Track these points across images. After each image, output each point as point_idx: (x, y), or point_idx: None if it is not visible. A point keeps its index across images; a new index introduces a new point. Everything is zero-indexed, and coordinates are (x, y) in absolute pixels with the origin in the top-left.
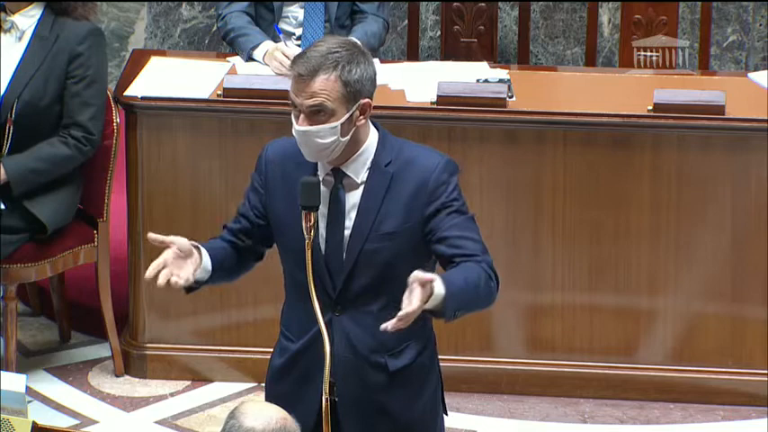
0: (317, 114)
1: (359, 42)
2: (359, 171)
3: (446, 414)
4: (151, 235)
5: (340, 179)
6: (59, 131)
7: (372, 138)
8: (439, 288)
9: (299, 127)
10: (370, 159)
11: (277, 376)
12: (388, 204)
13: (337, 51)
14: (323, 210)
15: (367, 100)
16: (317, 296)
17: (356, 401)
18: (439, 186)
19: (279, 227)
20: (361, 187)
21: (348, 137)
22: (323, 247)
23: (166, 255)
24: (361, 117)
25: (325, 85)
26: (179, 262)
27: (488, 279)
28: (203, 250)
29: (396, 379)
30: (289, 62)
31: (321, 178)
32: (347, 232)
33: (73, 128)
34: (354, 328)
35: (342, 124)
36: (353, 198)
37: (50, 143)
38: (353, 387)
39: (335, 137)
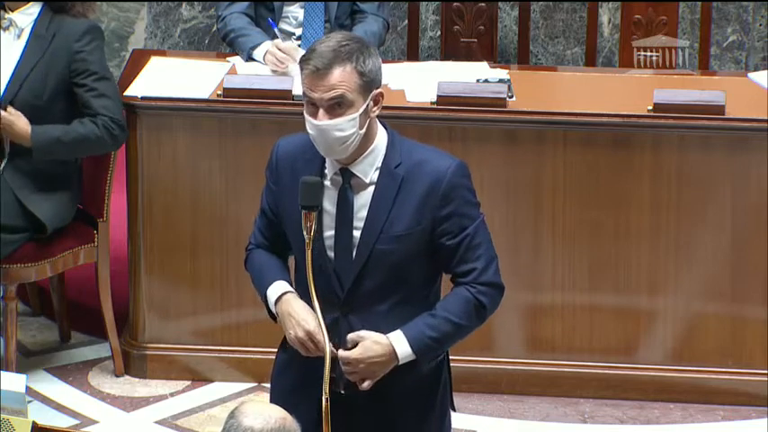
0: (338, 107)
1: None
2: (367, 171)
3: (454, 410)
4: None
5: (348, 179)
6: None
7: (381, 138)
8: (402, 349)
9: (318, 122)
10: (379, 160)
11: (282, 370)
12: (398, 206)
13: (347, 44)
14: (331, 209)
15: (380, 90)
16: (324, 295)
17: (364, 398)
18: (452, 190)
19: (288, 224)
20: (371, 188)
21: (364, 129)
22: (331, 246)
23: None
24: (375, 108)
25: (342, 76)
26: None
27: (477, 307)
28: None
29: (404, 378)
30: (284, 56)
31: (329, 177)
32: (356, 233)
33: (99, 116)
34: (363, 328)
35: (360, 116)
36: (362, 198)
37: (81, 121)
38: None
39: (354, 129)
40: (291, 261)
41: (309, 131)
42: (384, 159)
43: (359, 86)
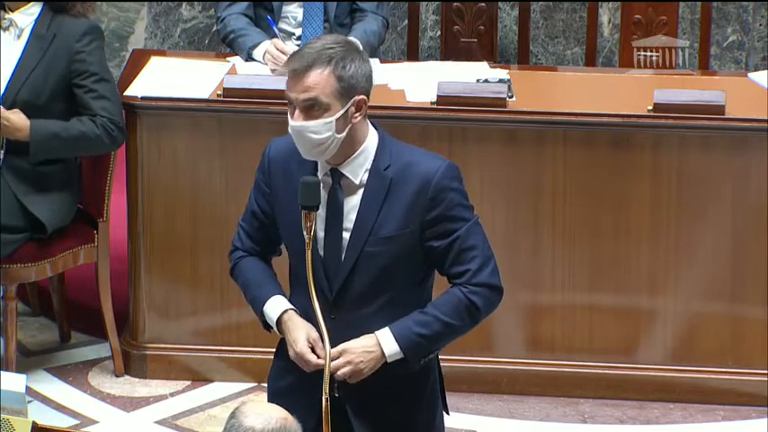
0: (312, 109)
1: (356, 41)
2: (357, 172)
3: (447, 413)
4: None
5: (338, 180)
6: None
7: (372, 139)
8: (390, 347)
9: (293, 122)
10: (369, 161)
11: (279, 373)
12: (387, 208)
13: (332, 48)
14: (321, 211)
15: (362, 96)
16: (317, 296)
17: (356, 401)
18: (440, 192)
19: (282, 225)
20: (360, 190)
21: (344, 134)
22: (321, 247)
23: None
24: (357, 114)
25: (318, 79)
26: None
27: (468, 308)
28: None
29: (393, 380)
30: (282, 55)
31: (320, 179)
32: (346, 234)
33: (98, 117)
34: (351, 329)
35: (336, 120)
36: (352, 200)
37: (80, 119)
38: (353, 387)
39: (330, 132)
40: (278, 263)
41: (290, 131)
42: (374, 161)
43: (335, 90)
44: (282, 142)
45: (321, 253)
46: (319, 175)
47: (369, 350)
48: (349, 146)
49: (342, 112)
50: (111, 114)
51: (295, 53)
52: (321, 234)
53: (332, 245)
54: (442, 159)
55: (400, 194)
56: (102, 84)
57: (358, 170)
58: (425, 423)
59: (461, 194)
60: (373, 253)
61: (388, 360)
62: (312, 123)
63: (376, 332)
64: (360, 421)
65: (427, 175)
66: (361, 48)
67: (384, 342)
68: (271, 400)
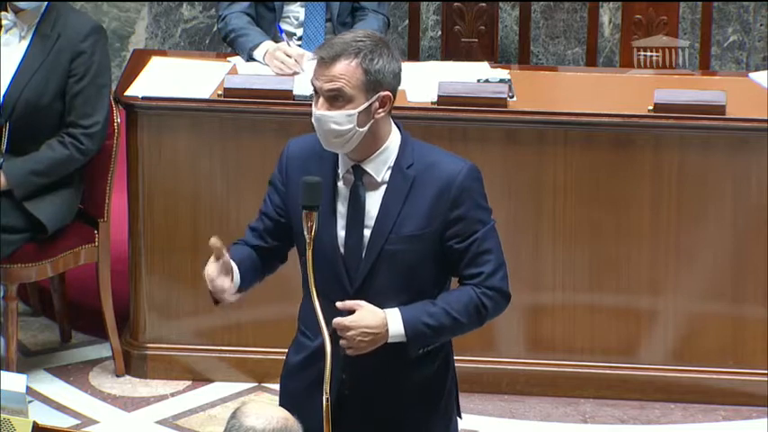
0: (336, 99)
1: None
2: (379, 170)
3: (460, 417)
4: (214, 241)
5: (360, 177)
6: (60, 131)
7: (394, 138)
8: (395, 328)
9: (315, 110)
10: (392, 159)
11: (293, 373)
12: (408, 207)
13: (362, 41)
14: (341, 208)
15: (387, 93)
16: (334, 293)
17: (369, 400)
18: (462, 193)
19: (296, 224)
20: (382, 187)
21: (366, 128)
22: (342, 244)
23: (214, 269)
24: (381, 110)
25: (345, 70)
26: (222, 278)
27: (477, 308)
28: (236, 270)
29: (410, 380)
30: (291, 61)
31: (341, 176)
32: (367, 231)
33: (72, 127)
34: None
35: (359, 113)
36: (374, 197)
37: (48, 145)
38: (367, 386)
39: (352, 125)
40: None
41: (312, 121)
42: (396, 159)
43: (361, 83)
44: (302, 141)
45: (342, 251)
46: (341, 172)
47: (371, 329)
48: (372, 142)
49: (365, 105)
50: (86, 123)
51: (324, 43)
52: (342, 232)
53: (353, 242)
54: (465, 161)
55: (422, 194)
56: (92, 88)
57: (380, 167)
58: (443, 425)
59: (482, 197)
60: (394, 251)
61: (390, 341)
62: (334, 113)
63: (386, 310)
64: (375, 422)
65: (450, 176)
66: (391, 45)
67: (392, 322)
68: (282, 399)
